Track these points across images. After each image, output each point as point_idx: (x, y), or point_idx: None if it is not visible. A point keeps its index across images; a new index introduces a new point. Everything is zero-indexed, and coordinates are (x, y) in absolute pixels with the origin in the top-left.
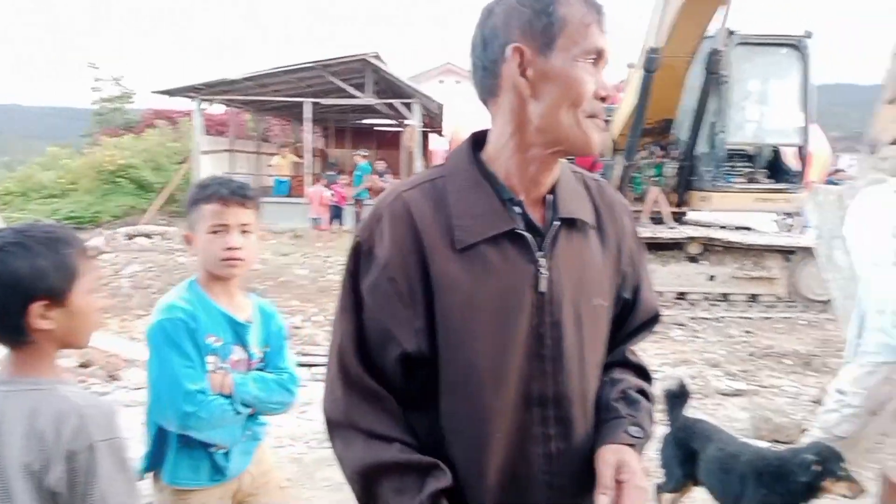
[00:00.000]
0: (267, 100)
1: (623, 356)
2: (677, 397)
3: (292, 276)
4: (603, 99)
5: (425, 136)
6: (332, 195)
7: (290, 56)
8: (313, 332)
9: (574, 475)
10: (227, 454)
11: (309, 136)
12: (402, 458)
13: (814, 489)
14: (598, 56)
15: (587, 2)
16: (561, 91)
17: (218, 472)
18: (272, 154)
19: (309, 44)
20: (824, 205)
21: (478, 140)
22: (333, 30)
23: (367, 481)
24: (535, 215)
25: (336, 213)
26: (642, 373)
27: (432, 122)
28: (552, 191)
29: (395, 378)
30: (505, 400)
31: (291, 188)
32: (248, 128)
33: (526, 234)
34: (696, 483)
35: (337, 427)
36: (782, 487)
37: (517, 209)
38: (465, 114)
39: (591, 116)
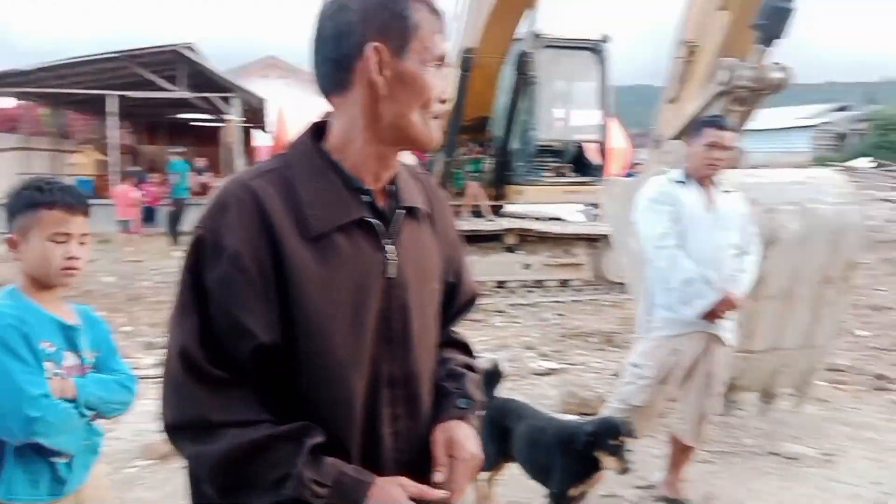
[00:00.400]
0: (66, 92)
1: (448, 335)
2: (490, 379)
3: (98, 285)
4: (443, 101)
5: (247, 131)
6: (143, 195)
7: (92, 50)
8: (122, 344)
9: (420, 451)
10: (69, 465)
11: (115, 131)
12: (274, 431)
13: (591, 459)
14: (441, 61)
15: (433, 10)
16: (414, 93)
17: (58, 485)
18: (72, 152)
19: (118, 34)
20: (618, 195)
21: (318, 130)
22: (146, 20)
23: (235, 467)
24: (381, 204)
25: (148, 215)
26: (465, 348)
27: (255, 117)
28: (393, 182)
29: (249, 371)
30: (361, 384)
31: (96, 188)
32: (44, 123)
33: (375, 221)
34: (511, 459)
35: (188, 429)
36: (577, 457)
37: (366, 198)
38: (291, 108)
39: (436, 117)
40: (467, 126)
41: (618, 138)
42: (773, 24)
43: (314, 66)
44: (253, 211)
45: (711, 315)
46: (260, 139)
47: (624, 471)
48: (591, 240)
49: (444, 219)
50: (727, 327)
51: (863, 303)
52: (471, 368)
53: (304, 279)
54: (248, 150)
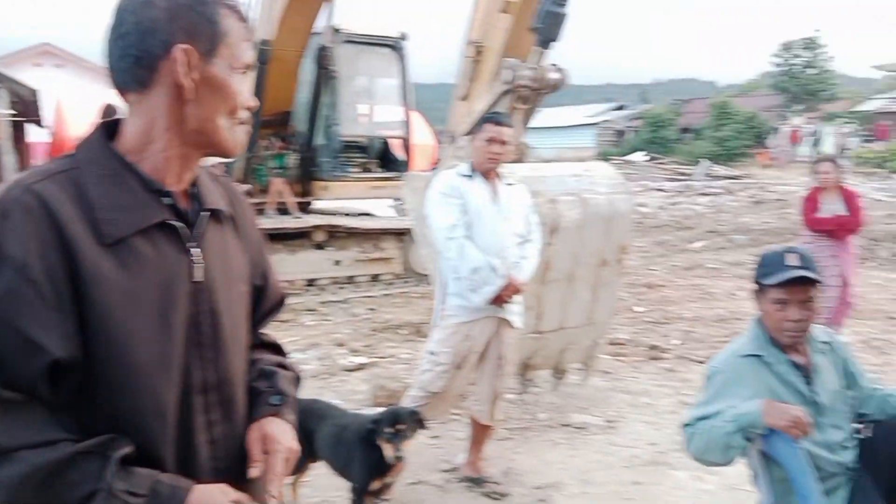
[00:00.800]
0: None
1: (258, 338)
2: None
3: None
4: (249, 109)
5: (19, 126)
6: None
7: None
8: None
9: (237, 456)
10: None
11: None
12: (75, 448)
13: (375, 447)
14: (248, 69)
15: (241, 18)
16: (221, 99)
17: None
18: None
19: None
20: (418, 189)
21: (108, 130)
22: None
23: (35, 491)
24: (183, 207)
25: None
26: (277, 349)
27: (27, 110)
28: (194, 184)
29: (41, 389)
30: (170, 393)
31: None
32: None
33: (178, 224)
34: (317, 459)
35: None
36: (370, 449)
37: (167, 200)
38: (70, 100)
39: (241, 124)
40: (268, 121)
41: (424, 134)
42: (549, 28)
43: (110, 60)
44: (40, 216)
45: (498, 300)
46: (34, 135)
47: (397, 459)
48: (400, 234)
49: (247, 221)
50: (514, 311)
51: (638, 282)
52: (283, 367)
53: (102, 287)
54: (21, 147)
